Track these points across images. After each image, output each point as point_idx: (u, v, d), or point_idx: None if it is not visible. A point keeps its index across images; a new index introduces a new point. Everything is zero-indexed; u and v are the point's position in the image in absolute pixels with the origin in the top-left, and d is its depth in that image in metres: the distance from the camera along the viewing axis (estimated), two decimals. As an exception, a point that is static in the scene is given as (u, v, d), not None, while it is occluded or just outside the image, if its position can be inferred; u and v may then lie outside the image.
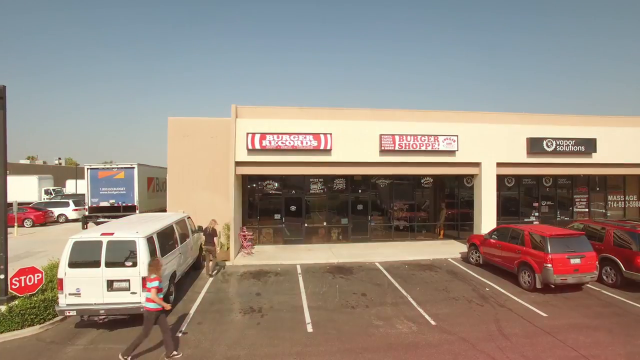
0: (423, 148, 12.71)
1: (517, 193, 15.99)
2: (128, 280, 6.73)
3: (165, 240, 8.09)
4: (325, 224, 14.68)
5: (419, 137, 12.69)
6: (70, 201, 24.36)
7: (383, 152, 12.65)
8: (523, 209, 15.99)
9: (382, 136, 12.53)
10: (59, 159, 53.70)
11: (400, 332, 6.86)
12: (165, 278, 7.64)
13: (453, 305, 8.23)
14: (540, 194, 16.13)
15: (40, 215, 21.59)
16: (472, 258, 11.66)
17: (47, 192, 31.58)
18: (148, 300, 5.80)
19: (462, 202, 15.69)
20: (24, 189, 30.63)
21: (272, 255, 12.67)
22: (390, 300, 8.58)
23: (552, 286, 8.72)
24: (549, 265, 8.56)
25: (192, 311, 7.91)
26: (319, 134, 12.20)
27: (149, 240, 7.16)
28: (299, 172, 12.56)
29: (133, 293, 6.73)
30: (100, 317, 6.63)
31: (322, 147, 12.19)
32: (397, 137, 12.57)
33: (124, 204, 16.85)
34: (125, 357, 5.67)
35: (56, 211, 23.36)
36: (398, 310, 7.97)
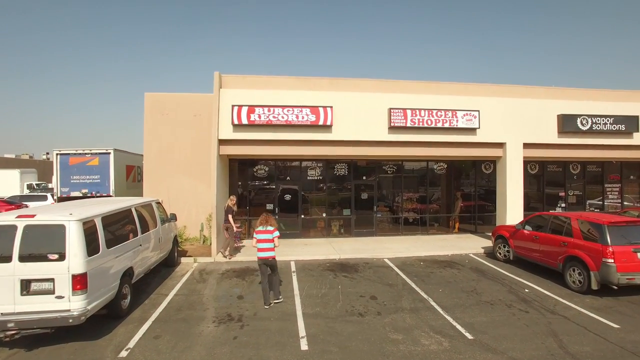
0: (439, 125, 10.85)
1: (542, 181, 14.16)
2: (52, 280, 4.85)
3: (116, 228, 6.22)
4: (324, 215, 12.82)
5: (435, 112, 10.83)
6: (49, 195, 22.46)
7: (393, 129, 10.78)
8: (547, 199, 14.15)
9: (392, 110, 10.67)
10: (47, 153, 51.63)
11: (428, 350, 5.01)
12: (113, 276, 5.77)
13: (490, 312, 6.38)
14: (567, 183, 14.30)
15: (11, 209, 19.68)
16: (500, 253, 9.82)
17: (30, 187, 29.75)
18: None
19: (480, 192, 13.84)
20: (5, 183, 28.87)
21: (262, 250, 10.78)
22: (408, 304, 6.73)
23: (615, 287, 6.87)
24: (610, 260, 6.71)
25: (150, 320, 6.04)
26: (318, 107, 10.34)
27: (87, 225, 5.28)
28: (293, 152, 10.69)
29: (59, 297, 4.86)
30: (8, 332, 4.73)
31: (321, 123, 10.33)
32: (409, 112, 10.72)
33: (98, 194, 14.95)
34: None
35: (32, 205, 21.45)
36: (420, 318, 6.12)
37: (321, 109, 10.35)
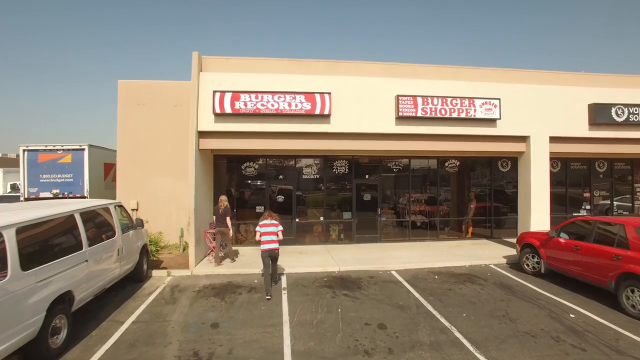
0: (454, 115, 9.39)
1: (564, 180, 12.71)
2: None
3: (45, 241, 4.73)
4: (322, 219, 11.34)
5: (449, 100, 9.36)
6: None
7: (401, 119, 9.31)
8: (570, 201, 12.70)
9: (400, 98, 9.19)
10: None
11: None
12: (34, 307, 4.28)
13: (534, 349, 4.91)
14: (592, 182, 12.85)
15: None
16: (528, 265, 8.35)
17: (13, 187, 28.20)
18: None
19: (496, 192, 12.38)
20: (-13, 183, 27.37)
21: (249, 260, 9.32)
22: (427, 336, 5.26)
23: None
24: (686, 280, 5.25)
25: (89, 363, 4.57)
26: (314, 93, 8.86)
27: (-10, 240, 3.79)
28: (285, 146, 9.21)
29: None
30: None
31: (317, 112, 8.85)
32: (419, 100, 9.24)
33: (70, 195, 13.44)
34: None
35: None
36: (445, 359, 4.66)
37: (317, 96, 8.87)
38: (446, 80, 9.72)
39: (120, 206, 7.24)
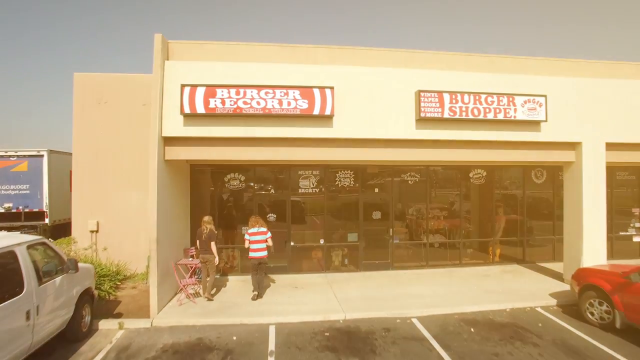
0: (490, 115, 7.40)
1: (608, 192, 10.73)
2: None
3: None
4: (322, 242, 9.35)
5: (484, 97, 7.38)
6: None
7: (423, 121, 7.31)
8: (615, 216, 10.74)
9: (423, 94, 7.20)
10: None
11: None
12: None
13: None
14: (641, 195, 10.89)
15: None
16: (593, 313, 6.36)
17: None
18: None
19: (529, 208, 10.40)
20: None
21: (230, 301, 7.33)
22: None
23: None
24: None
25: None
26: (312, 87, 6.87)
27: None
28: (274, 156, 7.22)
29: None
30: None
31: (316, 112, 6.86)
32: (446, 97, 7.25)
33: (26, 210, 11.46)
34: None
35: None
36: None
37: (316, 92, 6.87)
38: (479, 72, 7.73)
39: (42, 244, 5.23)
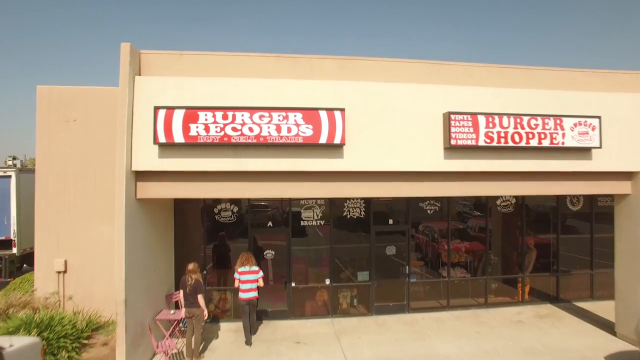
0: (534, 142, 6.07)
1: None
2: None
3: None
4: (328, 281, 8.05)
5: (526, 119, 6.06)
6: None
7: (453, 150, 5.99)
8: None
9: (453, 117, 5.87)
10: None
11: None
12: None
13: None
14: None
15: None
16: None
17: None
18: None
19: (563, 237, 9.10)
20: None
21: (218, 367, 6.03)
22: None
23: None
24: None
25: None
26: (318, 109, 5.54)
27: None
28: (271, 192, 5.91)
29: None
30: None
31: (323, 140, 5.53)
32: (482, 120, 5.92)
33: (-9, 237, 10.15)
34: None
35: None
36: None
37: (323, 115, 5.55)
38: (517, 88, 6.41)
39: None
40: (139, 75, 5.71)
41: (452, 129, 5.86)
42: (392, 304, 8.22)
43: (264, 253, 7.95)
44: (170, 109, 5.37)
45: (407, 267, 8.28)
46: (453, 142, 5.84)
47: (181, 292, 6.31)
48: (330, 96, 5.75)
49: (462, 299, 8.64)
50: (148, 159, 5.50)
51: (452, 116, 5.87)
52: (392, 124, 5.90)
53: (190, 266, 6.20)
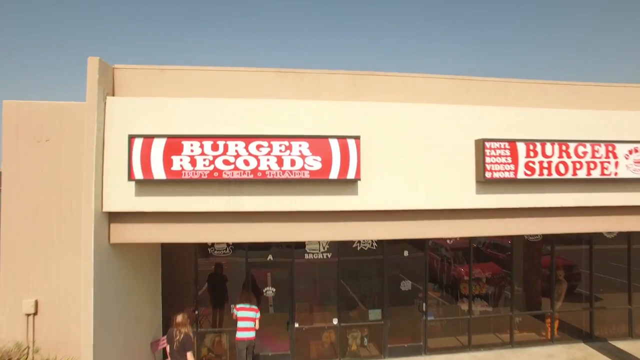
0: (582, 173, 5.14)
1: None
2: None
3: None
4: (335, 321, 7.12)
5: (572, 146, 5.11)
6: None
7: (488, 184, 5.05)
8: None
9: (488, 145, 4.93)
10: None
11: None
12: None
13: None
14: None
15: None
16: None
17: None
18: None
19: (597, 267, 8.18)
20: None
21: None
22: None
23: None
24: None
25: None
26: (328, 137, 4.60)
27: None
28: (270, 236, 4.97)
29: None
30: None
31: (334, 175, 4.59)
32: (521, 148, 4.98)
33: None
34: None
35: None
36: None
37: (334, 144, 4.60)
38: (560, 107, 5.46)
39: None
40: (112, 95, 4.76)
41: (487, 159, 4.91)
42: (407, 345, 7.31)
43: (264, 290, 7.03)
44: (149, 138, 4.42)
45: (424, 303, 7.36)
46: (488, 174, 4.90)
47: (168, 346, 5.41)
48: (342, 120, 4.80)
49: (484, 335, 7.74)
50: (123, 197, 4.56)
51: (487, 144, 4.92)
52: (415, 153, 4.95)
53: (179, 318, 5.28)
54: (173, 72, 4.87)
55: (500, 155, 4.95)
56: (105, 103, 4.59)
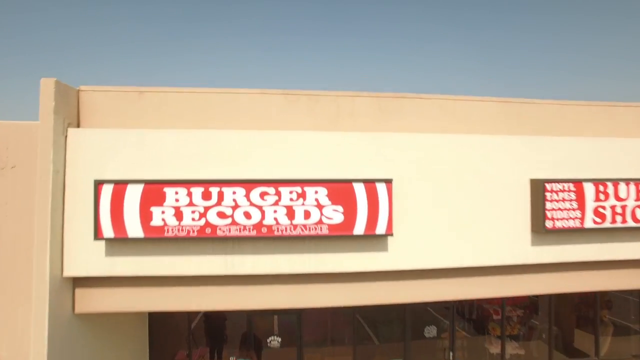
0: (660, 220, 4.18)
1: None
2: None
3: None
4: (349, 375, 6.16)
5: (650, 185, 4.14)
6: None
7: (546, 236, 4.07)
8: None
9: (549, 187, 3.95)
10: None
11: None
12: None
13: None
14: None
15: None
16: None
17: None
18: None
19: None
20: None
21: None
22: None
23: None
24: None
25: None
26: (351, 181, 3.61)
27: None
28: (278, 303, 3.96)
29: None
30: None
31: (359, 230, 3.60)
32: (589, 190, 4.01)
33: None
34: None
35: None
36: None
37: (359, 190, 3.61)
38: (632, 136, 4.48)
39: None
40: (77, 126, 3.74)
41: (548, 205, 3.93)
42: (431, 400, 6.38)
43: (268, 340, 6.06)
44: (121, 184, 3.42)
45: (452, 352, 6.41)
46: (549, 224, 3.92)
47: None
48: (368, 157, 3.80)
49: (516, 382, 6.81)
50: (89, 259, 3.56)
51: (548, 185, 3.94)
52: (458, 196, 3.96)
53: None
54: (155, 96, 3.85)
55: (563, 200, 3.97)
56: (66, 137, 3.58)
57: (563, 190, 3.97)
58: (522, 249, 4.07)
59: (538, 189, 3.99)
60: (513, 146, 4.13)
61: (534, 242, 4.09)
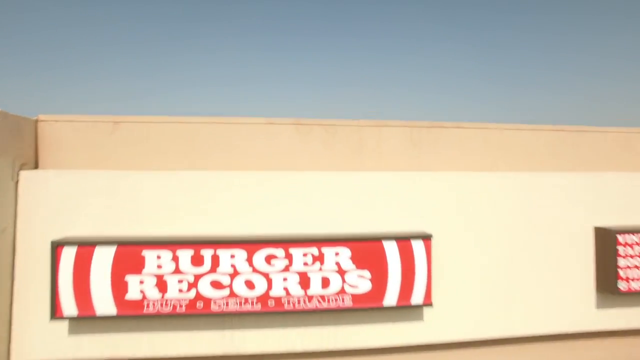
0: None
1: None
2: None
3: None
4: None
5: None
6: None
7: (617, 299, 3.34)
8: None
9: (621, 239, 3.21)
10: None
11: None
12: None
13: None
14: None
15: None
16: None
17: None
18: None
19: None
20: None
21: None
22: None
23: None
24: None
25: None
26: (380, 239, 2.86)
27: None
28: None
29: None
30: None
31: (391, 301, 2.85)
32: (669, 241, 3.28)
33: None
34: None
35: None
36: None
37: (391, 249, 2.86)
38: None
39: None
40: (35, 167, 2.97)
41: (621, 261, 3.19)
42: None
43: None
44: (88, 246, 2.65)
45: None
46: (622, 285, 3.18)
47: None
48: (400, 204, 3.05)
49: None
50: (47, 338, 2.79)
51: (620, 237, 3.20)
52: (507, 251, 3.22)
53: None
54: (134, 127, 3.07)
55: (638, 254, 3.24)
56: (17, 182, 2.80)
57: (638, 241, 3.23)
58: (585, 313, 3.34)
59: (605, 240, 3.25)
60: (573, 185, 3.38)
61: (600, 305, 3.35)
